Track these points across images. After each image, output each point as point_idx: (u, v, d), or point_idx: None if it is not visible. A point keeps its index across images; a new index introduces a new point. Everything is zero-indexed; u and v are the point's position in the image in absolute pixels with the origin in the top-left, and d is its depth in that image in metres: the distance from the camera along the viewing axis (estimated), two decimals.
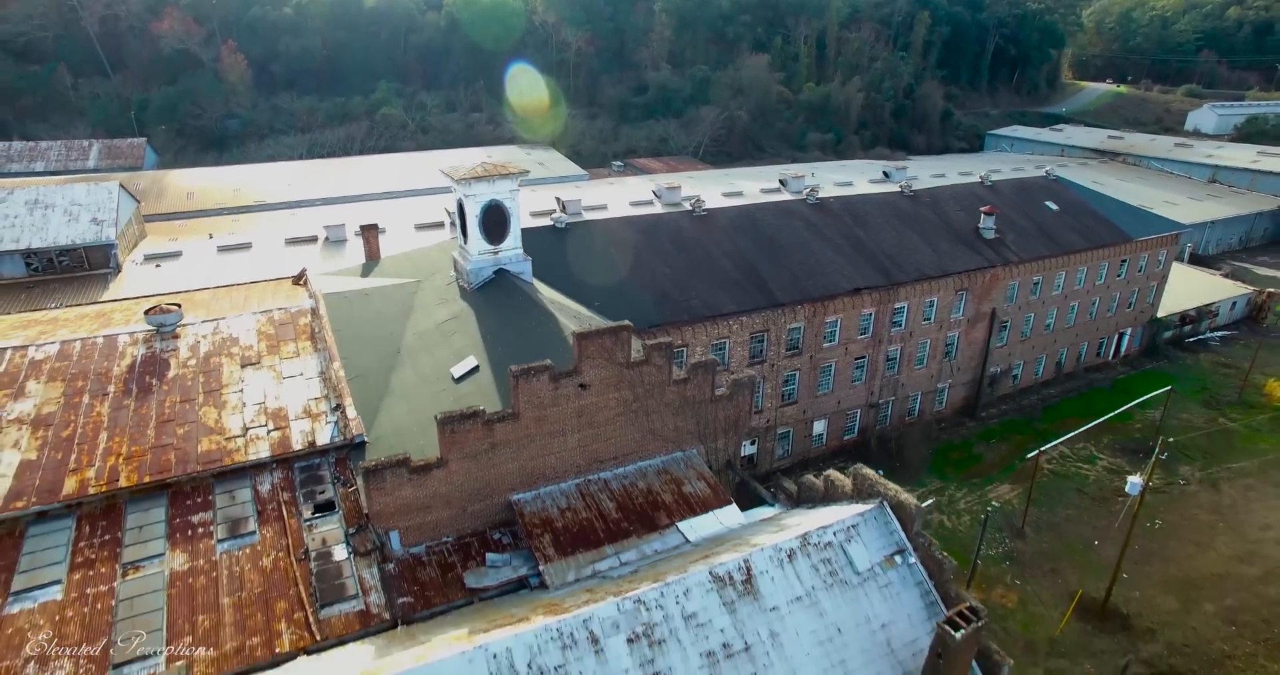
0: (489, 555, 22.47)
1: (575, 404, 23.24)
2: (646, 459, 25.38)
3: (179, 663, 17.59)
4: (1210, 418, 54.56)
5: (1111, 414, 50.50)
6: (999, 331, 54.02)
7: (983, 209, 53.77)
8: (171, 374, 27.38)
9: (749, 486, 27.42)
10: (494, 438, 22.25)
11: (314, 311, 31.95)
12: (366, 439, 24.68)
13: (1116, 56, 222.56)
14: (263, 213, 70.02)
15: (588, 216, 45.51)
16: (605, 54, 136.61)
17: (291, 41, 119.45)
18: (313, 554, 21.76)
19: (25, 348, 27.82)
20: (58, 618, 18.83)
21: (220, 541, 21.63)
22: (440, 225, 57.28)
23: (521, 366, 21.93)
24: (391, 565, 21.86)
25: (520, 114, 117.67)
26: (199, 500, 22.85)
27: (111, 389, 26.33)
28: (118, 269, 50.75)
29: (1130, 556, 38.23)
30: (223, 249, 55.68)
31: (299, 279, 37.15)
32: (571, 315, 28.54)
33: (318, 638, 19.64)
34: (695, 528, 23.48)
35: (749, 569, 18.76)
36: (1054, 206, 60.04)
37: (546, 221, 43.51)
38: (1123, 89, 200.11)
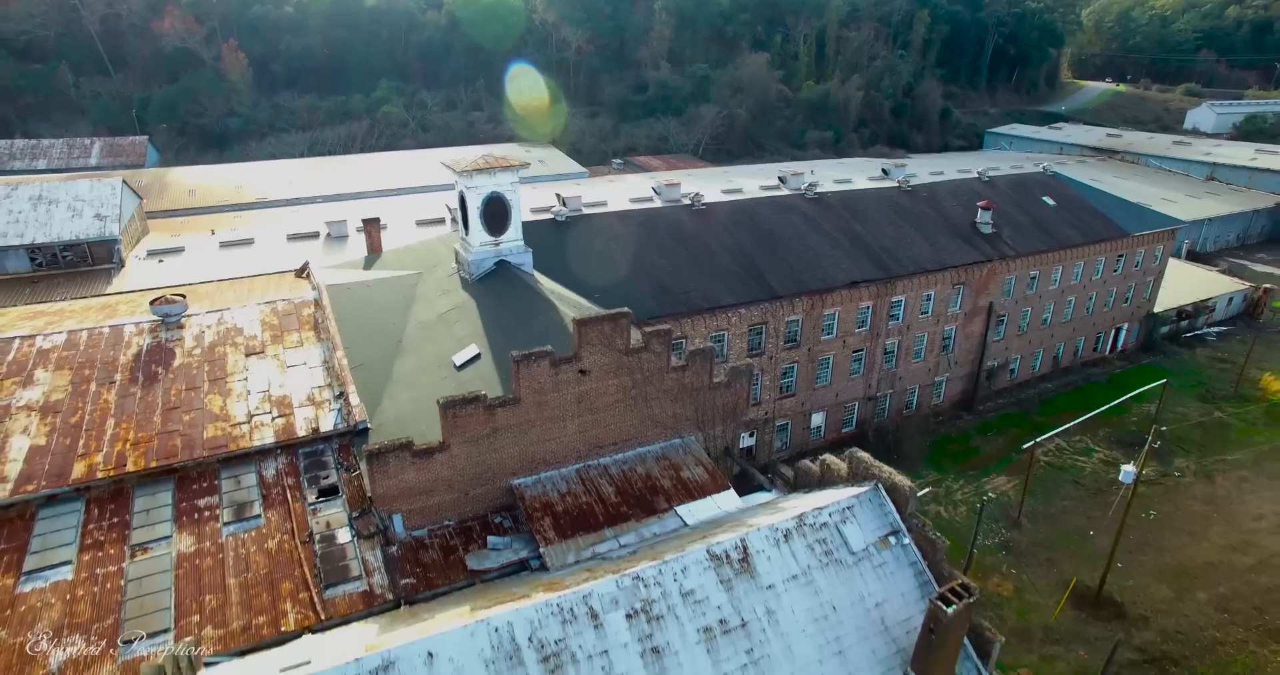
0: (490, 538, 22.86)
1: (575, 390, 23.62)
2: (645, 445, 25.76)
3: (188, 638, 17.95)
4: (1206, 411, 54.94)
5: (1107, 406, 50.94)
6: (996, 326, 54.39)
7: (980, 204, 54.15)
8: (177, 363, 27.77)
9: (747, 473, 27.80)
10: (495, 422, 22.63)
11: (317, 302, 32.34)
12: (369, 425, 25.07)
13: (1116, 55, 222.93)
14: (264, 210, 70.36)
15: (588, 211, 45.88)
16: (605, 52, 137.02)
17: (292, 40, 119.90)
18: (317, 537, 22.15)
19: (33, 337, 28.21)
20: (69, 596, 19.22)
21: (226, 525, 22.02)
22: (441, 221, 57.66)
23: (523, 352, 22.32)
24: (394, 548, 22.24)
25: (520, 114, 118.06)
26: (205, 485, 23.24)
27: (118, 377, 26.71)
28: (121, 264, 51.12)
29: (1125, 546, 38.62)
30: (225, 245, 56.09)
31: (302, 272, 37.53)
32: (572, 305, 28.92)
33: (322, 617, 20.03)
34: (693, 512, 23.86)
35: (745, 548, 19.14)
36: (1051, 202, 60.42)
37: (547, 216, 43.88)
38: (1122, 88, 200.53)
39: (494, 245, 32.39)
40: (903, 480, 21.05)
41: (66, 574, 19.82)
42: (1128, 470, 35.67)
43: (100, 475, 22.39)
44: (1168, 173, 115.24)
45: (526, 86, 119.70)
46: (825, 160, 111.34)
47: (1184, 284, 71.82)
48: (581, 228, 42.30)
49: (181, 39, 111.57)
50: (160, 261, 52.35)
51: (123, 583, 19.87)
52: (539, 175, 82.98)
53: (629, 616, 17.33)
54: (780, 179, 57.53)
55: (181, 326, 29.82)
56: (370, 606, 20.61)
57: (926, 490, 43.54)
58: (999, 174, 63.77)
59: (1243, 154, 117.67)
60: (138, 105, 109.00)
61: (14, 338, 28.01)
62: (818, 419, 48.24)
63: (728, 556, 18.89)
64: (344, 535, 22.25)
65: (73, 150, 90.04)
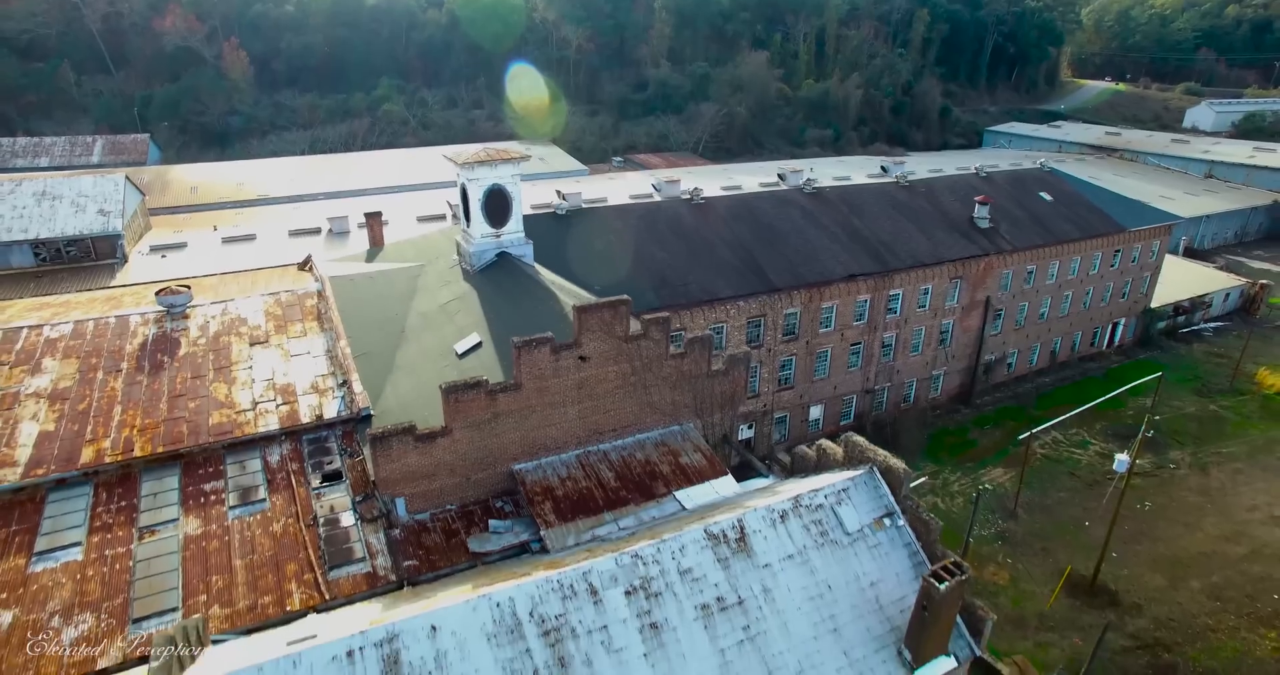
0: (491, 522, 23.24)
1: (575, 376, 24.00)
2: (645, 431, 26.14)
3: (195, 615, 18.32)
4: (1201, 405, 55.31)
5: (1102, 399, 51.35)
6: (993, 319, 54.76)
7: (977, 198, 54.50)
8: (182, 352, 28.16)
9: (744, 459, 28.17)
10: (497, 407, 23.01)
11: (320, 293, 32.73)
12: (373, 412, 25.44)
13: (1115, 54, 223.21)
14: (266, 207, 70.76)
15: (588, 205, 46.25)
16: (605, 51, 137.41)
17: (293, 39, 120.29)
18: (321, 520, 22.54)
19: (40, 327, 28.58)
20: (79, 576, 19.60)
21: (232, 508, 22.40)
22: (442, 218, 58.05)
23: (524, 338, 22.70)
24: (397, 531, 22.63)
25: (521, 113, 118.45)
26: (210, 470, 23.62)
27: (124, 366, 27.10)
28: (124, 259, 51.53)
29: (1120, 537, 39.00)
30: (227, 240, 56.53)
31: (304, 265, 37.92)
32: (572, 296, 29.26)
33: (327, 597, 20.42)
34: (692, 496, 24.24)
35: (742, 528, 19.52)
36: (1048, 197, 60.78)
37: (548, 210, 44.24)
38: (1121, 87, 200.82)
39: (495, 237, 32.77)
40: (897, 463, 21.43)
41: (76, 555, 20.20)
42: (1121, 459, 36.06)
43: (108, 460, 22.77)
44: (1166, 170, 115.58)
45: (526, 86, 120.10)
46: (825, 158, 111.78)
47: (1181, 280, 72.16)
48: (582, 221, 42.67)
49: (183, 37, 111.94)
50: (163, 256, 52.76)
51: (131, 563, 20.25)
52: (539, 172, 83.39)
53: (628, 593, 17.70)
54: (779, 176, 57.92)
55: (186, 317, 30.20)
56: (374, 587, 20.99)
57: (922, 479, 43.92)
58: (996, 170, 64.16)
59: (1241, 152, 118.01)
60: (139, 103, 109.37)
61: (22, 328, 28.39)
62: (816, 411, 48.62)
63: (725, 536, 19.27)
64: (347, 519, 22.64)
65: (74, 148, 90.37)
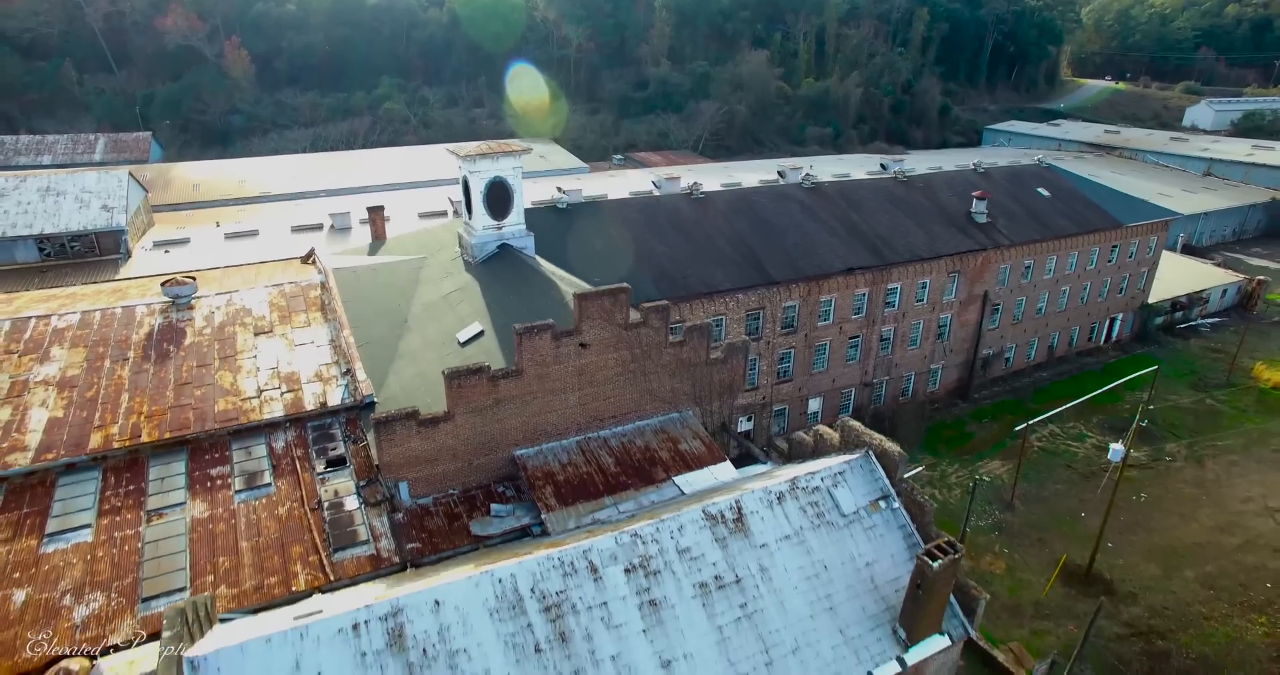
0: (493, 506, 23.61)
1: (576, 363, 24.37)
2: (644, 418, 26.51)
3: (204, 593, 18.70)
4: (1198, 399, 55.66)
5: (1099, 391, 51.69)
6: (991, 314, 55.12)
7: (974, 193, 54.84)
8: (188, 341, 28.54)
9: (743, 448, 28.53)
10: (498, 393, 23.39)
11: (323, 285, 33.12)
12: (376, 399, 25.81)
13: (1115, 53, 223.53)
14: (268, 204, 71.15)
15: (589, 199, 46.59)
16: (606, 50, 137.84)
17: (294, 37, 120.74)
18: (325, 504, 22.91)
19: (48, 317, 28.98)
20: (89, 557, 19.98)
21: (238, 492, 22.78)
22: (443, 214, 58.42)
23: (525, 325, 23.07)
24: (400, 515, 23.01)
25: (521, 113, 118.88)
26: (217, 455, 24.00)
27: (131, 355, 27.48)
28: (128, 254, 51.91)
29: (1116, 528, 39.37)
30: (230, 236, 56.90)
31: (307, 258, 38.29)
32: (572, 286, 29.60)
33: (331, 578, 20.79)
34: (691, 482, 24.60)
35: (740, 509, 19.88)
36: (1045, 193, 61.12)
37: (549, 204, 44.58)
38: (1121, 86, 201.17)
39: (496, 229, 33.14)
40: (892, 447, 21.79)
41: (86, 536, 20.58)
42: (1116, 449, 36.44)
43: (116, 445, 23.16)
44: (1165, 168, 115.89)
45: (527, 86, 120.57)
46: (824, 156, 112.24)
47: (1179, 276, 72.52)
48: (583, 215, 43.05)
49: (184, 36, 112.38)
50: (166, 252, 53.13)
51: (140, 545, 20.63)
52: (540, 170, 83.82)
53: (627, 571, 18.07)
54: (779, 173, 58.21)
55: (192, 307, 30.59)
56: (377, 569, 21.36)
57: (918, 470, 44.26)
58: (994, 166, 64.49)
59: (1239, 149, 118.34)
60: (141, 102, 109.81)
61: (30, 318, 28.78)
62: (815, 404, 48.99)
63: (723, 516, 19.64)
64: (351, 503, 23.01)
65: (77, 146, 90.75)
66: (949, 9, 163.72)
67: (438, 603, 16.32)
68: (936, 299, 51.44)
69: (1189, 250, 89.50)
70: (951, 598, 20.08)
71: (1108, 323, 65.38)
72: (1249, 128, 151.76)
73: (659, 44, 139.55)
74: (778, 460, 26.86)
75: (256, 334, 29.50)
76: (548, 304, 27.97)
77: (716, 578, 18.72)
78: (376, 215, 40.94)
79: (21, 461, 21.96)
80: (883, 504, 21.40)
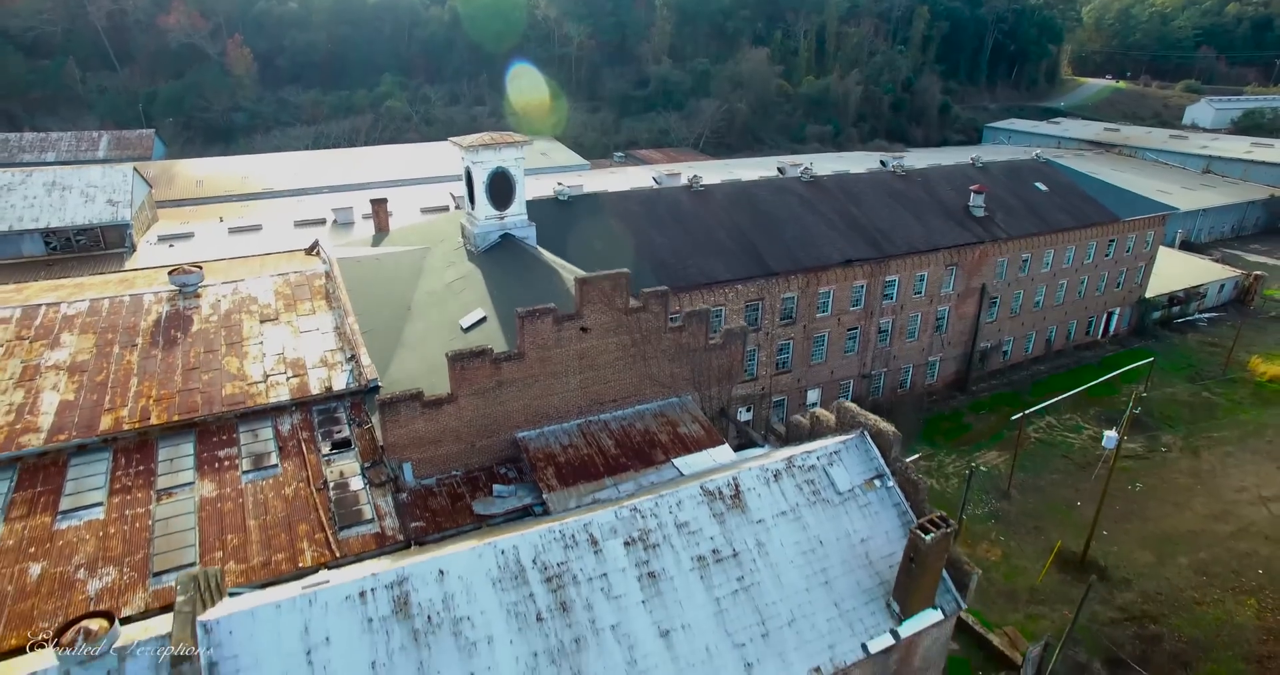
0: (495, 486, 24.06)
1: (577, 347, 24.83)
2: (644, 402, 26.96)
3: (213, 567, 19.16)
4: (1194, 392, 56.07)
5: (1095, 382, 52.08)
6: (989, 307, 55.51)
7: (972, 187, 55.25)
8: (195, 328, 29.02)
9: (740, 432, 28.97)
10: (501, 376, 23.84)
11: (328, 274, 33.57)
12: (380, 384, 26.26)
13: (1116, 52, 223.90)
14: (271, 200, 71.77)
15: (590, 191, 47.07)
16: (607, 48, 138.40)
17: (297, 35, 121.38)
18: (331, 484, 23.36)
19: (58, 304, 29.47)
20: (101, 534, 20.44)
21: (245, 473, 23.23)
22: (445, 209, 58.86)
23: (527, 308, 23.53)
24: (404, 495, 23.46)
25: (522, 112, 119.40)
26: (224, 437, 24.46)
27: (139, 341, 27.97)
28: (133, 248, 52.46)
29: (1111, 516, 39.77)
30: (234, 231, 57.46)
31: (311, 249, 38.74)
32: (573, 274, 30.05)
33: (337, 555, 21.24)
34: (690, 464, 25.03)
35: (737, 485, 20.33)
36: (1043, 187, 61.53)
37: (550, 196, 45.03)
38: (1121, 85, 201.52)
39: (499, 219, 33.61)
40: (887, 427, 22.25)
41: (98, 514, 21.04)
42: (1110, 436, 36.86)
43: (126, 427, 23.63)
44: (1164, 165, 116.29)
45: (527, 85, 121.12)
46: (825, 154, 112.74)
47: (1176, 271, 72.89)
48: (584, 206, 43.51)
49: (187, 34, 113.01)
50: (170, 246, 53.68)
51: (150, 523, 21.08)
52: (541, 167, 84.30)
53: (627, 544, 18.52)
54: (779, 170, 58.61)
55: (198, 296, 31.06)
56: (382, 546, 21.79)
57: (916, 456, 44.68)
58: (992, 160, 64.88)
59: (1239, 147, 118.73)
60: (144, 100, 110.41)
61: (40, 305, 29.28)
62: (813, 395, 49.42)
63: (720, 492, 20.09)
64: (357, 483, 23.46)
65: (80, 143, 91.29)
66: (949, 7, 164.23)
67: (442, 572, 16.78)
68: (934, 292, 51.87)
69: (1187, 247, 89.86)
70: (945, 573, 20.52)
71: (1105, 317, 65.78)
72: (1249, 126, 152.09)
73: (660, 42, 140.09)
74: (775, 443, 27.30)
75: (262, 321, 29.97)
76: (549, 291, 28.41)
77: (714, 551, 19.17)
78: (380, 207, 41.44)
79: (35, 442, 22.44)
80: (878, 482, 21.85)
